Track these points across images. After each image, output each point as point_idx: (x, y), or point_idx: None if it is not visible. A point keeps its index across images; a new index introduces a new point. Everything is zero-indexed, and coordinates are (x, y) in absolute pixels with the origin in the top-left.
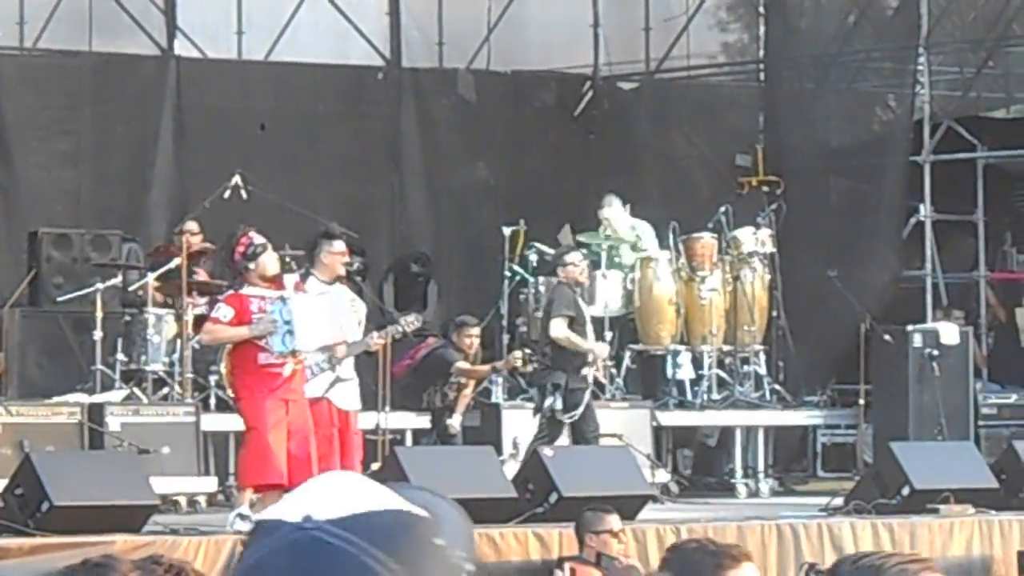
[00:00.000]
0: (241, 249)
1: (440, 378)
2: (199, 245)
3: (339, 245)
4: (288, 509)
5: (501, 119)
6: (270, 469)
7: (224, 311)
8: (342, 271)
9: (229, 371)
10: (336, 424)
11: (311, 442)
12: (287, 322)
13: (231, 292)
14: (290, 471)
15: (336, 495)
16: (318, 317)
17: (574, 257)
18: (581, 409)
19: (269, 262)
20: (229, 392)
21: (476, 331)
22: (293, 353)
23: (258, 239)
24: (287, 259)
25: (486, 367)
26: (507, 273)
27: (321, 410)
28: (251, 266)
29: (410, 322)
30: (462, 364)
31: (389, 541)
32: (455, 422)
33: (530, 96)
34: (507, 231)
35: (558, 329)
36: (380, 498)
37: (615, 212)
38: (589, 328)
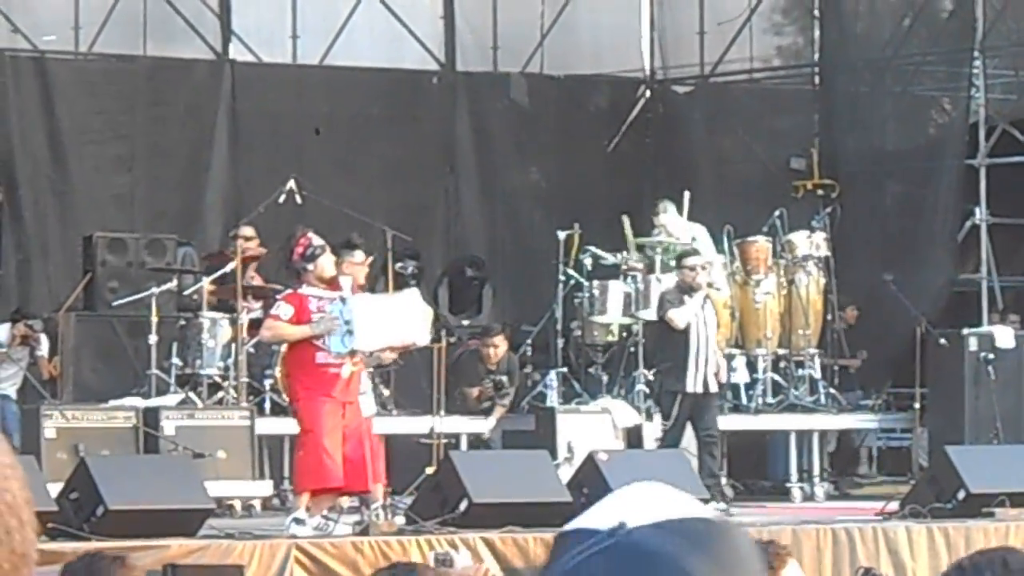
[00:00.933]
0: (300, 250)
1: (465, 381)
2: (254, 250)
3: (355, 255)
4: (598, 517)
5: (554, 123)
6: (327, 473)
7: (284, 309)
8: (360, 280)
9: (285, 373)
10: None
11: (366, 445)
12: (347, 321)
13: (290, 291)
14: (346, 475)
15: (646, 502)
16: (379, 318)
17: (692, 261)
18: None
19: (327, 263)
20: (284, 395)
21: (499, 339)
22: (352, 353)
23: (317, 240)
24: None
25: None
26: (561, 277)
27: (356, 412)
28: (309, 267)
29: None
30: (466, 390)
31: (705, 546)
32: (487, 428)
33: (583, 100)
34: (561, 235)
35: (679, 319)
36: (690, 505)
37: (671, 218)
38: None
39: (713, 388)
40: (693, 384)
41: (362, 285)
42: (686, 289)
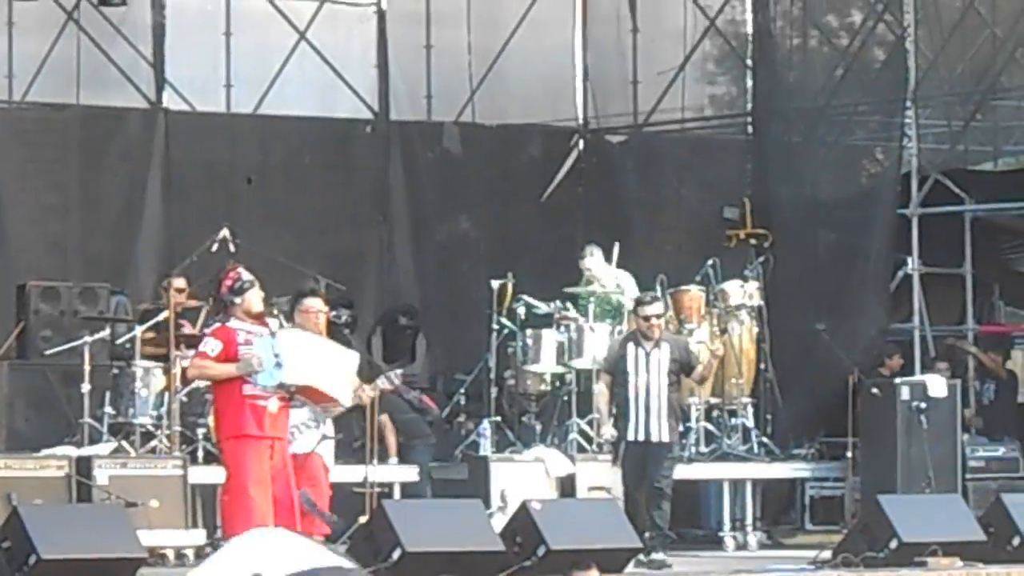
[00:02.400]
0: (228, 283)
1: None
2: (187, 303)
3: (309, 302)
4: (230, 568)
5: (488, 172)
6: (253, 519)
7: (212, 344)
8: (318, 328)
9: (215, 409)
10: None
11: (292, 484)
12: (276, 355)
13: (218, 325)
14: (275, 516)
15: (275, 552)
16: (308, 354)
17: (649, 310)
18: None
19: (255, 299)
20: (214, 435)
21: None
22: (281, 386)
23: (246, 275)
24: (275, 312)
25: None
26: (495, 326)
27: (315, 464)
28: (237, 300)
29: (391, 378)
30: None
31: None
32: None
33: (517, 149)
34: (495, 284)
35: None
36: (318, 555)
37: (596, 263)
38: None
39: (660, 438)
40: (634, 432)
41: (319, 332)
42: (638, 339)
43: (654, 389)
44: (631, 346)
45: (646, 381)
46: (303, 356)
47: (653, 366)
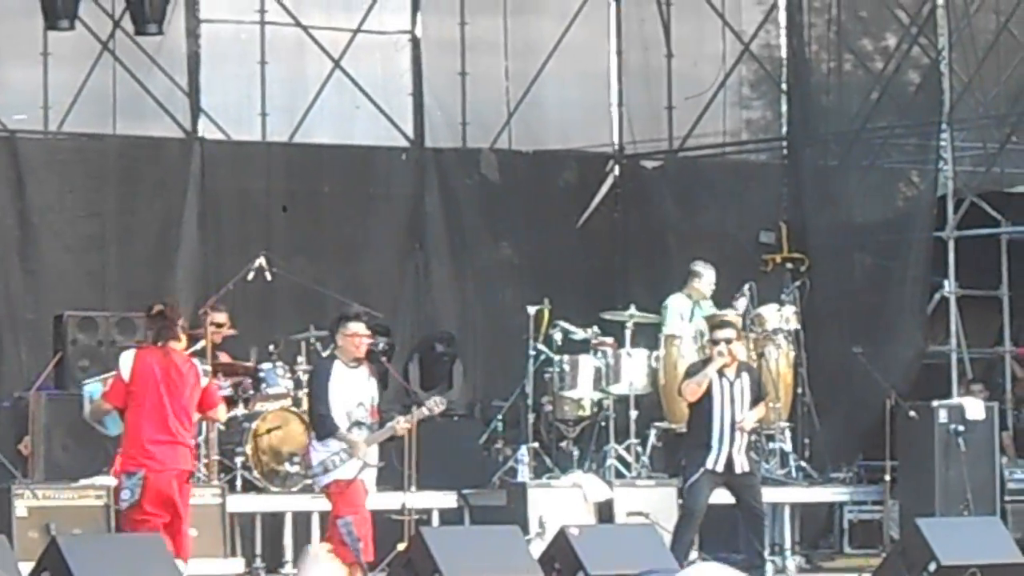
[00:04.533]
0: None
1: None
2: (225, 332)
3: (354, 327)
4: None
5: (524, 198)
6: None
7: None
8: (360, 352)
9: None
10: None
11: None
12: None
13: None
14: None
15: None
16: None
17: (720, 334)
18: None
19: None
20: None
21: None
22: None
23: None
24: (312, 340)
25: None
26: (531, 352)
27: (356, 491)
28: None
29: (436, 403)
30: None
31: None
32: None
33: (553, 175)
34: (531, 310)
35: (688, 390)
36: None
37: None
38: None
39: (743, 469)
40: (714, 462)
41: (359, 359)
42: (707, 362)
43: (737, 421)
44: (715, 376)
45: (731, 413)
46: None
47: (737, 396)
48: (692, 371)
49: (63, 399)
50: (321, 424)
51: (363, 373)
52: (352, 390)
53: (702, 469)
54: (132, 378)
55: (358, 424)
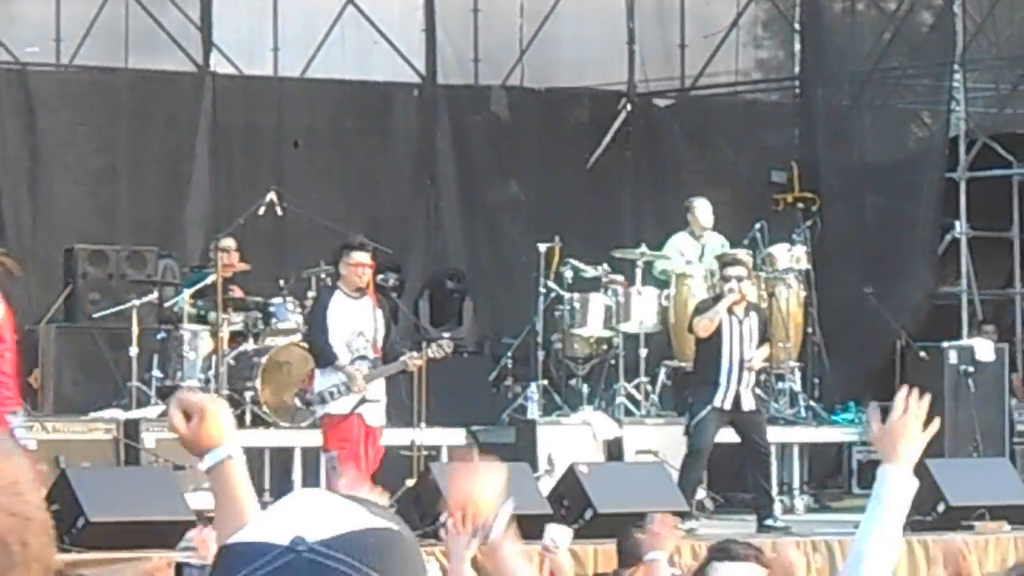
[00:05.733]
0: None
1: None
2: (236, 265)
3: (357, 256)
4: (270, 530)
5: (535, 136)
6: None
7: None
8: (362, 282)
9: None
10: (362, 439)
11: None
12: None
13: None
14: None
15: (319, 514)
16: None
17: (731, 271)
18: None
19: None
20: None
21: None
22: None
23: None
24: (322, 275)
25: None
26: (542, 290)
27: (349, 426)
28: None
29: (444, 346)
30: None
31: (380, 560)
32: None
33: (564, 113)
34: (542, 248)
35: (700, 326)
36: (362, 516)
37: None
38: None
39: (750, 407)
40: (722, 400)
41: (362, 288)
42: (718, 299)
43: (745, 360)
44: (726, 316)
45: (740, 351)
46: None
47: (746, 336)
48: (702, 308)
49: (73, 332)
50: (319, 352)
51: (366, 304)
52: (352, 320)
53: (709, 407)
54: None
55: (361, 358)
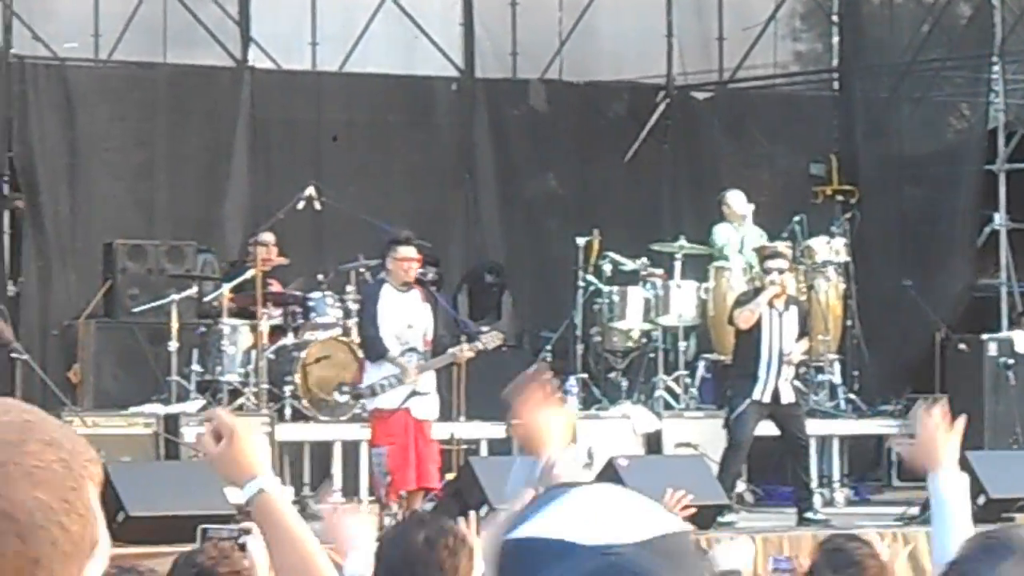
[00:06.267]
0: None
1: None
2: (275, 259)
3: (404, 251)
4: (570, 529)
5: (573, 129)
6: None
7: None
8: (409, 276)
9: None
10: (412, 435)
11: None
12: None
13: None
14: None
15: (627, 515)
16: None
17: (772, 264)
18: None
19: None
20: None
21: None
22: None
23: None
24: (361, 269)
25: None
26: (581, 283)
27: (397, 421)
28: None
29: (493, 338)
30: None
31: (688, 562)
32: None
33: (602, 106)
34: (581, 241)
35: (742, 317)
36: (664, 517)
37: (739, 202)
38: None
39: (789, 399)
40: (761, 393)
41: (409, 283)
42: (759, 291)
43: (785, 353)
44: (766, 309)
45: (779, 346)
46: None
47: (786, 330)
48: (743, 300)
49: (112, 327)
50: (371, 345)
51: (415, 297)
52: (401, 313)
53: (748, 400)
54: None
55: (411, 350)
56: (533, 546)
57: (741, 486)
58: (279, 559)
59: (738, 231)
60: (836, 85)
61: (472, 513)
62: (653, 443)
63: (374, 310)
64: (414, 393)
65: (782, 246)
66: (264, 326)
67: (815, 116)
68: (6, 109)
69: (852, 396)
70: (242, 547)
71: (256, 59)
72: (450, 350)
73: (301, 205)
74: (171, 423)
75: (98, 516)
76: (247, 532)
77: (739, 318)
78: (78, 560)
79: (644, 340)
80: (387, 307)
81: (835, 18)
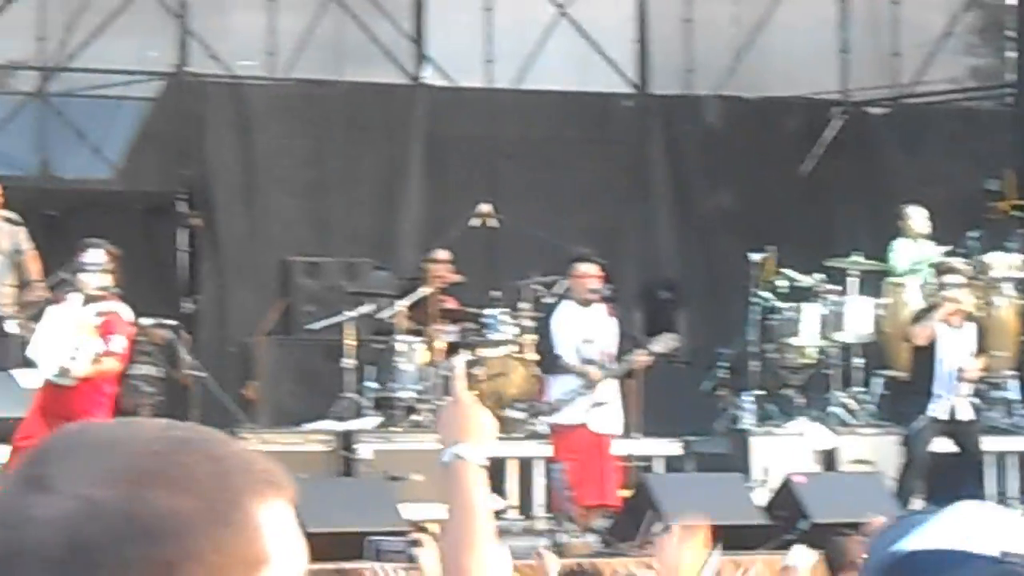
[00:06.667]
0: (77, 259)
1: None
2: (450, 276)
3: (583, 268)
4: (967, 538)
5: (747, 145)
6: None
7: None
8: (589, 294)
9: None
10: (592, 450)
11: None
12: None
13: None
14: None
15: (1010, 524)
16: (45, 334)
17: (949, 279)
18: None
19: (84, 282)
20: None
21: None
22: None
23: (89, 258)
24: (535, 286)
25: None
26: (755, 300)
27: (578, 436)
28: (77, 277)
29: (670, 340)
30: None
31: None
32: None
33: (777, 122)
34: (756, 257)
35: (917, 332)
36: None
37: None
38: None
39: (967, 416)
40: (937, 410)
41: (586, 300)
42: (935, 308)
43: (962, 370)
44: (942, 325)
45: (956, 361)
46: (41, 336)
47: (963, 346)
48: (920, 316)
49: (289, 344)
50: (548, 360)
51: (597, 312)
52: (581, 328)
53: (925, 417)
54: None
55: (589, 362)
56: (927, 557)
57: (918, 503)
58: (449, 528)
59: (916, 247)
60: (1012, 100)
61: None
62: (829, 460)
63: (552, 325)
64: (595, 404)
65: (958, 262)
66: (439, 343)
67: (991, 131)
68: (183, 127)
69: None
70: (411, 559)
71: (431, 76)
72: (626, 358)
73: (476, 222)
74: (347, 440)
75: (276, 533)
76: (417, 544)
77: (916, 335)
78: (230, 573)
79: (819, 356)
80: (566, 322)
81: (1010, 33)
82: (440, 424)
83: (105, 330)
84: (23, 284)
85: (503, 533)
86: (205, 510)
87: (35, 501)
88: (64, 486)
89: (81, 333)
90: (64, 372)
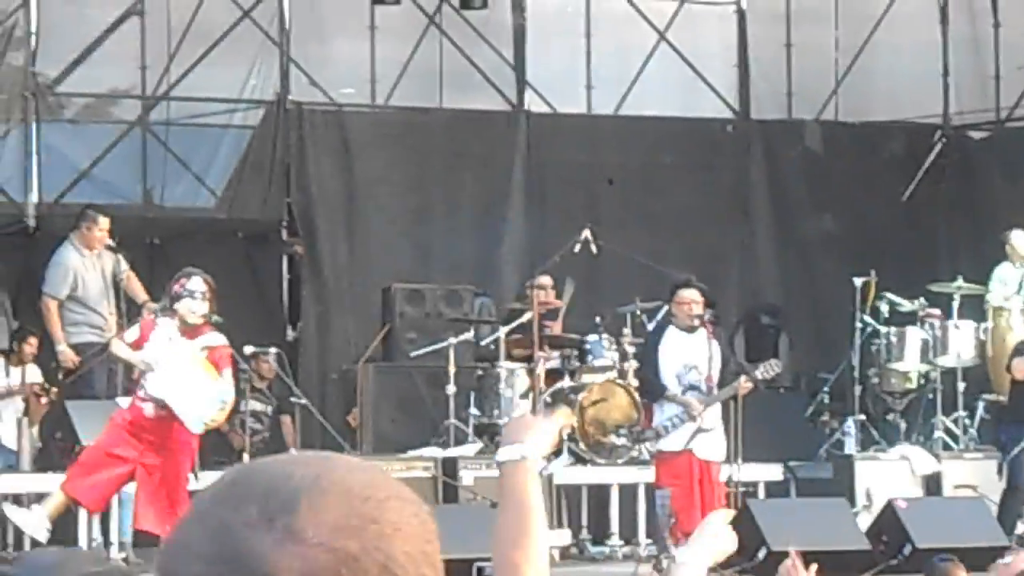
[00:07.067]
0: (176, 288)
1: None
2: (552, 302)
3: (686, 293)
4: None
5: (849, 169)
6: (87, 486)
7: (131, 331)
8: (692, 319)
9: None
10: (697, 476)
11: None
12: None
13: (152, 317)
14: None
15: None
16: (176, 373)
17: None
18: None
19: (186, 310)
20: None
21: None
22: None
23: (192, 285)
24: (637, 312)
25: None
26: (858, 324)
27: (681, 463)
28: (175, 306)
29: (772, 366)
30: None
31: None
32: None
33: (878, 146)
34: (857, 282)
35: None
36: None
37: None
38: None
39: None
40: None
41: (689, 326)
42: None
43: None
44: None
45: None
46: (170, 372)
47: None
48: (1021, 349)
49: (391, 371)
50: (648, 386)
51: (700, 338)
52: (684, 354)
53: (1022, 445)
54: None
55: (692, 388)
56: None
57: (1022, 528)
58: (501, 524)
59: (1019, 271)
60: None
61: None
62: (932, 485)
63: (653, 352)
64: (699, 431)
65: None
66: (541, 369)
67: None
68: (284, 155)
69: None
70: None
71: (531, 103)
72: (730, 383)
73: (577, 248)
74: (449, 466)
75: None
76: None
77: (1017, 369)
78: None
79: (922, 381)
80: (669, 348)
81: None
82: (506, 429)
83: (213, 364)
84: (130, 307)
85: (607, 559)
86: (421, 554)
87: (283, 550)
88: (313, 536)
89: (196, 368)
90: (209, 423)
